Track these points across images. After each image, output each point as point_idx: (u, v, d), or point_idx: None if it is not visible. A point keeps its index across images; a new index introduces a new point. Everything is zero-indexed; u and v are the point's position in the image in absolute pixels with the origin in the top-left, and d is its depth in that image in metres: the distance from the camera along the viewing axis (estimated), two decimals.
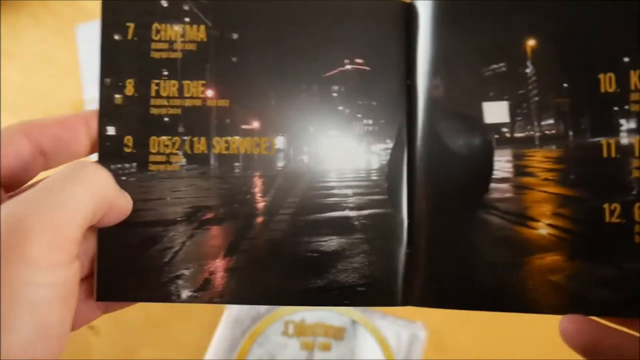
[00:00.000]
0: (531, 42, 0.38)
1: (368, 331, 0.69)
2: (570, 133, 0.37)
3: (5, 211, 0.28)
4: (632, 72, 0.35)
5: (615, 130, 0.36)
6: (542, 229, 0.37)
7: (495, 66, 0.38)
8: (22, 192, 0.33)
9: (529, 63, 0.38)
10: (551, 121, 0.38)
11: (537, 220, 0.37)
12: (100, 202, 0.33)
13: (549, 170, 0.38)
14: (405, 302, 0.38)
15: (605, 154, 0.36)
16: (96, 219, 0.33)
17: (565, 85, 0.37)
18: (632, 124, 0.36)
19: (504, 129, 0.38)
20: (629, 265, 0.35)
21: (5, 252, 0.27)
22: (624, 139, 0.36)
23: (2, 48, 0.88)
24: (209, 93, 0.39)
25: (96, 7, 0.97)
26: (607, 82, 0.36)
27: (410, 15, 0.39)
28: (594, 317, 0.36)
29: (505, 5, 0.38)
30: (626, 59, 0.36)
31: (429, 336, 0.69)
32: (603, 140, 0.36)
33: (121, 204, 0.36)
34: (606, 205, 0.36)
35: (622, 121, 0.36)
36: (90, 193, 0.32)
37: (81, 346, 0.73)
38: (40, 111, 0.33)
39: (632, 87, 0.35)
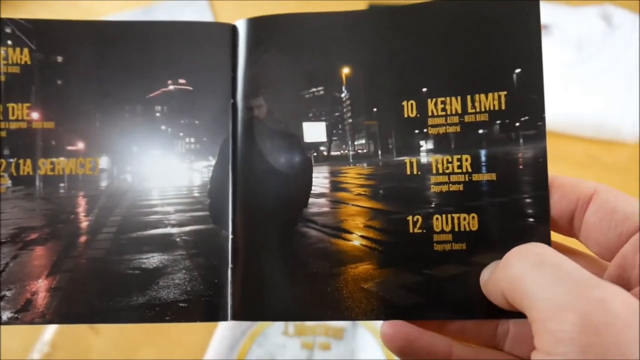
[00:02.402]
0: (346, 70, 0.39)
1: (368, 331, 0.69)
2: (379, 152, 0.39)
3: None
4: (429, 101, 0.38)
5: (416, 151, 0.38)
6: (356, 241, 0.39)
7: (314, 90, 0.39)
8: None
9: (344, 88, 0.39)
10: (363, 141, 0.40)
11: (351, 232, 0.39)
12: None
13: (362, 186, 0.39)
14: (234, 317, 0.39)
15: (408, 171, 0.38)
16: None
17: (374, 109, 0.39)
18: (430, 145, 0.38)
19: (322, 148, 0.40)
20: (430, 271, 0.37)
21: None
22: (424, 158, 0.38)
23: None
24: (35, 115, 0.39)
25: (97, 7, 0.98)
26: (410, 108, 0.38)
27: (234, 37, 0.40)
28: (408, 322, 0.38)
29: (322, 34, 0.40)
30: (424, 89, 0.38)
31: None
32: (406, 159, 0.38)
33: None
34: (410, 217, 0.38)
35: (422, 142, 0.38)
36: None
37: (81, 346, 0.73)
38: None
39: (430, 113, 0.38)
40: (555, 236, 0.36)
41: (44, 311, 0.38)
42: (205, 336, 0.71)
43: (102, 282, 0.38)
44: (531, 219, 0.37)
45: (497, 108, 0.37)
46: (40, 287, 0.38)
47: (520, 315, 0.30)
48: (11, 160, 0.39)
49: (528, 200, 0.37)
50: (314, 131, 0.39)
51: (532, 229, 0.36)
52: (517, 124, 0.37)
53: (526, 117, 0.37)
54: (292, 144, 0.39)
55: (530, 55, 0.37)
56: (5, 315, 0.38)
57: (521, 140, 0.37)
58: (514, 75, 0.37)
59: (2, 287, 0.38)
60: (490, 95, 0.37)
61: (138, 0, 1.03)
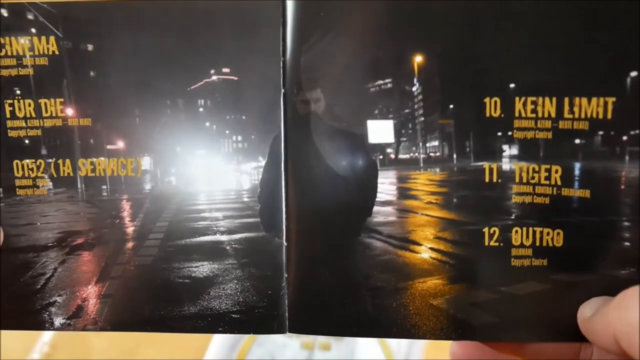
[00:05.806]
0: (418, 59, 0.33)
1: None
2: (454, 156, 0.34)
3: None
4: (517, 99, 0.32)
5: (498, 156, 0.33)
6: (425, 253, 0.35)
7: (381, 82, 0.34)
8: None
9: (415, 80, 0.34)
10: (436, 143, 0.34)
11: (420, 244, 0.35)
12: None
13: (433, 193, 0.35)
14: (290, 329, 0.37)
15: (487, 179, 0.34)
16: None
17: (450, 106, 0.34)
18: (514, 150, 0.33)
19: (389, 150, 0.35)
20: (506, 288, 0.34)
21: None
22: (506, 165, 0.33)
23: None
24: (69, 112, 0.36)
25: None
26: (493, 107, 0.33)
27: (286, 18, 0.34)
28: (482, 343, 0.35)
29: (391, 16, 0.33)
30: (512, 85, 0.32)
31: None
32: (486, 164, 0.33)
33: None
34: (486, 229, 0.34)
35: (505, 147, 0.33)
36: None
37: (81, 346, 0.73)
38: None
39: (517, 114, 0.32)
40: None
41: (96, 318, 0.37)
42: (205, 336, 0.70)
43: (152, 290, 0.37)
44: (627, 243, 0.32)
45: (601, 116, 0.31)
46: (91, 294, 0.37)
47: None
48: (49, 160, 0.36)
49: (626, 223, 0.32)
50: (380, 130, 0.34)
51: (626, 254, 0.32)
52: (625, 138, 0.31)
53: (637, 131, 0.31)
54: (355, 144, 0.34)
55: None
56: (58, 321, 0.37)
57: (627, 157, 0.31)
58: (628, 79, 0.30)
59: (53, 293, 0.37)
60: (594, 100, 0.31)
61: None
